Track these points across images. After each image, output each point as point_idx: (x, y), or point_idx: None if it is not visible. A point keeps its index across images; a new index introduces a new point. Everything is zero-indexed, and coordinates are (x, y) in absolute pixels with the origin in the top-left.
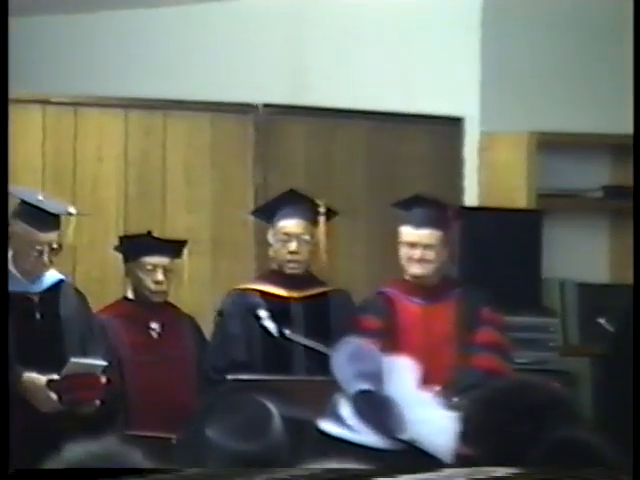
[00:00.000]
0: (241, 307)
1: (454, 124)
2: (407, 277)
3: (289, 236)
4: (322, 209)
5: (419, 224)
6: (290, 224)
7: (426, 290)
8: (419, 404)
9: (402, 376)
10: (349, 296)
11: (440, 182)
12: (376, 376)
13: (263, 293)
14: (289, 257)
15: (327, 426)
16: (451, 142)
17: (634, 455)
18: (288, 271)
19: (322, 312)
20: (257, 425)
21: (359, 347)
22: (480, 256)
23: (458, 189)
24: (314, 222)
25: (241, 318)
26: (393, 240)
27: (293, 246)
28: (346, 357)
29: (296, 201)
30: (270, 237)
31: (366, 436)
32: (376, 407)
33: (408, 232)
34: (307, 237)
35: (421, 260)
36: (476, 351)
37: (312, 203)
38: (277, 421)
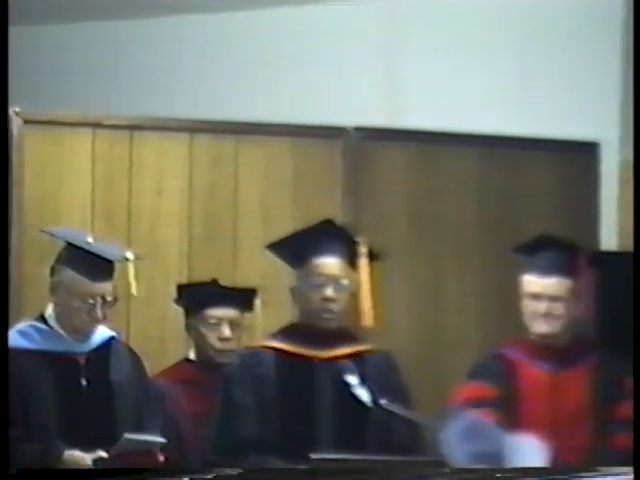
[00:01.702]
0: (251, 370)
1: (587, 150)
2: (531, 337)
3: (326, 278)
4: (363, 248)
5: (545, 272)
6: (327, 263)
7: (555, 353)
8: None
9: (527, 458)
10: (392, 358)
11: (570, 221)
12: (495, 457)
13: (279, 351)
14: (323, 305)
15: None
16: (584, 172)
17: (634, 455)
18: (321, 323)
19: (346, 374)
20: None
21: (475, 422)
22: (621, 312)
23: (593, 229)
24: (353, 264)
25: (250, 384)
26: (513, 292)
27: (330, 292)
28: (459, 434)
29: (333, 235)
30: (297, 279)
31: None
32: None
33: (531, 281)
34: (346, 282)
35: (548, 315)
36: (616, 429)
37: (351, 240)
38: None
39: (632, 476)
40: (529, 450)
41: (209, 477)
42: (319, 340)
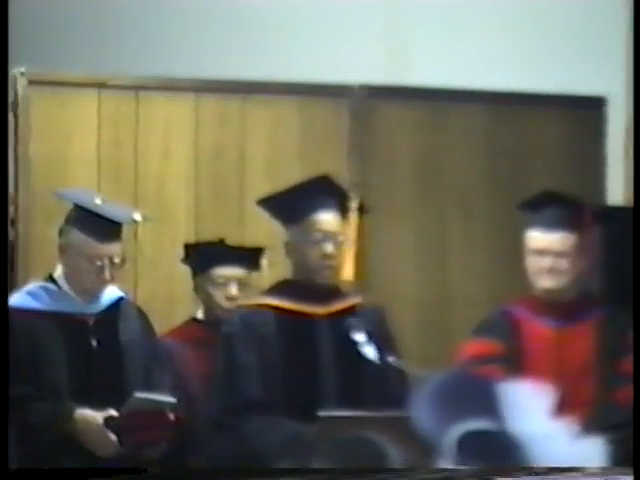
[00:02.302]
0: (250, 328)
1: (594, 106)
2: (536, 293)
3: (324, 234)
4: (355, 203)
5: (549, 227)
6: (325, 219)
7: (560, 309)
8: (554, 437)
9: (532, 406)
10: (383, 311)
11: (576, 177)
12: (492, 411)
13: (277, 309)
14: (322, 262)
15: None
16: (591, 128)
17: (634, 455)
18: (320, 279)
19: (349, 332)
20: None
21: (465, 377)
22: (626, 267)
23: (599, 185)
24: (347, 219)
25: (250, 342)
26: (520, 249)
27: (329, 248)
28: (445, 390)
29: (329, 190)
30: (293, 235)
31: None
32: (494, 450)
33: (537, 237)
34: (342, 238)
35: (553, 270)
36: (621, 383)
37: (346, 195)
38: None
39: (632, 477)
40: (534, 397)
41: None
42: (316, 296)
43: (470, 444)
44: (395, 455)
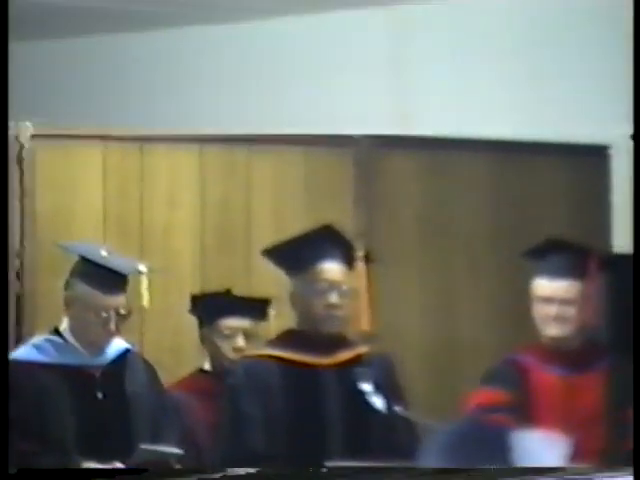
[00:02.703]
0: (254, 379)
1: (599, 153)
2: (543, 341)
3: (329, 284)
4: (361, 252)
5: (555, 274)
6: (330, 269)
7: (567, 357)
8: None
9: (545, 455)
10: (390, 360)
11: (583, 225)
12: (504, 460)
13: (281, 359)
14: (327, 312)
15: None
16: (596, 175)
17: (634, 455)
18: (325, 329)
19: (356, 382)
20: None
21: (477, 426)
22: (633, 315)
23: (605, 232)
24: (352, 269)
25: (255, 393)
26: (526, 297)
27: (334, 298)
28: (457, 440)
29: (333, 240)
30: (297, 285)
31: None
32: None
33: (543, 285)
34: (347, 287)
35: (559, 318)
36: (630, 432)
37: (350, 244)
38: None
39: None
40: (550, 445)
41: (216, 477)
42: (321, 346)
43: None
44: None
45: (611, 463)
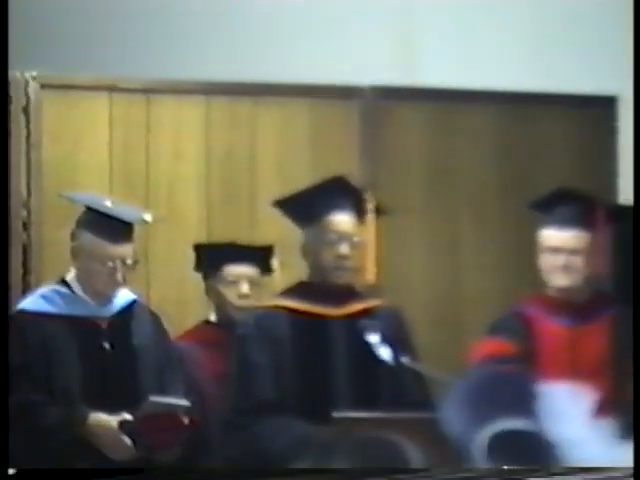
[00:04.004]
0: (265, 330)
1: (605, 105)
2: (550, 292)
3: (339, 235)
4: (371, 205)
5: (564, 225)
6: (340, 220)
7: (573, 308)
8: (594, 440)
9: (569, 408)
10: (400, 314)
11: (588, 177)
12: (526, 410)
13: (292, 310)
14: (337, 263)
15: None
16: (602, 127)
17: (634, 455)
18: (335, 280)
19: (364, 333)
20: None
21: (499, 374)
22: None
23: (611, 185)
24: (362, 220)
25: (265, 344)
26: (532, 248)
27: (345, 249)
28: (476, 389)
29: (344, 192)
30: (308, 236)
31: None
32: (526, 451)
33: (550, 235)
34: (358, 238)
35: (566, 268)
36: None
37: (361, 196)
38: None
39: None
40: (574, 399)
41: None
42: (331, 297)
43: (502, 444)
44: (414, 456)
45: (614, 413)
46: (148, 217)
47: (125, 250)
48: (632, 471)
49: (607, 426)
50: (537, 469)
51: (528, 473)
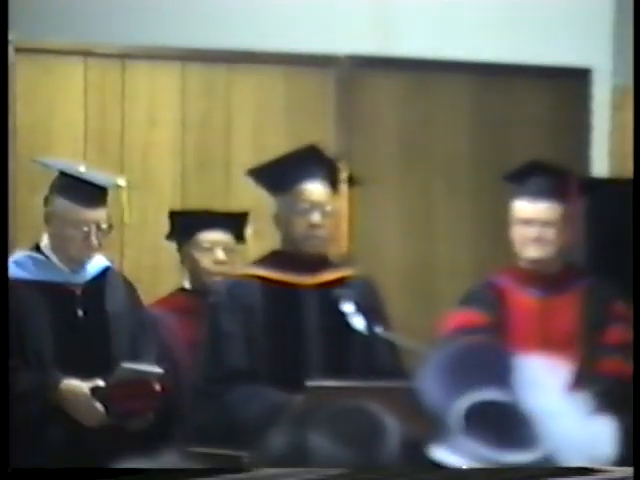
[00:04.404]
0: (237, 298)
1: (580, 77)
2: (522, 264)
3: (311, 204)
4: (344, 173)
5: (536, 197)
6: (313, 189)
7: (545, 279)
8: (569, 413)
9: (547, 381)
10: (372, 283)
11: (562, 149)
12: (503, 382)
13: (264, 279)
14: (309, 232)
15: (441, 454)
16: (576, 99)
17: (634, 454)
18: (307, 249)
19: (338, 303)
20: (366, 436)
21: (474, 344)
22: (611, 238)
23: (584, 157)
24: (335, 189)
25: (238, 312)
26: (505, 219)
27: (316, 217)
28: (453, 359)
29: (317, 161)
30: (280, 205)
31: (489, 462)
32: (505, 422)
33: (523, 207)
34: (330, 207)
35: (539, 240)
36: (605, 353)
37: (334, 165)
38: (390, 433)
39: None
40: (550, 371)
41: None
42: (304, 266)
43: (478, 415)
44: (392, 426)
45: (585, 385)
46: (122, 182)
47: (99, 215)
48: (632, 471)
49: (580, 398)
50: (537, 469)
51: (528, 473)
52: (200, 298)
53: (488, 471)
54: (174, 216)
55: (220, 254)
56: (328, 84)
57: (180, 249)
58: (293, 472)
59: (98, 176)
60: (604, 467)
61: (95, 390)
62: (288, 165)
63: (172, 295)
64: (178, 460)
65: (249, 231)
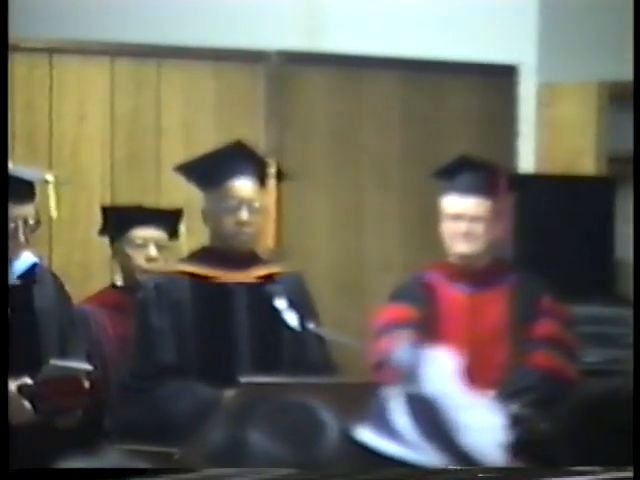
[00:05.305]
0: (166, 294)
1: (506, 74)
2: (451, 259)
3: (239, 201)
4: (272, 169)
5: (465, 192)
6: (241, 186)
7: (474, 275)
8: (463, 407)
9: (440, 371)
10: (302, 279)
11: (490, 145)
12: (419, 375)
13: (193, 275)
14: (237, 229)
15: (371, 437)
16: (503, 96)
17: (634, 455)
18: (235, 246)
19: (269, 299)
20: (306, 432)
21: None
22: (539, 233)
23: (512, 153)
24: (263, 186)
25: (166, 308)
26: (435, 215)
27: (244, 215)
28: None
29: (245, 157)
30: (209, 201)
31: (423, 451)
32: (429, 413)
33: (452, 202)
34: (258, 204)
35: (467, 235)
36: (533, 347)
37: (262, 161)
38: (329, 428)
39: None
40: (442, 362)
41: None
42: (233, 263)
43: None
44: (329, 420)
45: (511, 377)
46: (50, 177)
47: (27, 210)
48: (632, 471)
49: (502, 391)
50: (538, 469)
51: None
52: (132, 295)
53: (465, 472)
54: (107, 212)
55: (153, 251)
56: (258, 80)
57: (112, 245)
58: (239, 472)
59: (25, 171)
60: (604, 467)
61: (22, 388)
62: (216, 161)
63: (104, 292)
64: (113, 459)
65: (182, 228)
